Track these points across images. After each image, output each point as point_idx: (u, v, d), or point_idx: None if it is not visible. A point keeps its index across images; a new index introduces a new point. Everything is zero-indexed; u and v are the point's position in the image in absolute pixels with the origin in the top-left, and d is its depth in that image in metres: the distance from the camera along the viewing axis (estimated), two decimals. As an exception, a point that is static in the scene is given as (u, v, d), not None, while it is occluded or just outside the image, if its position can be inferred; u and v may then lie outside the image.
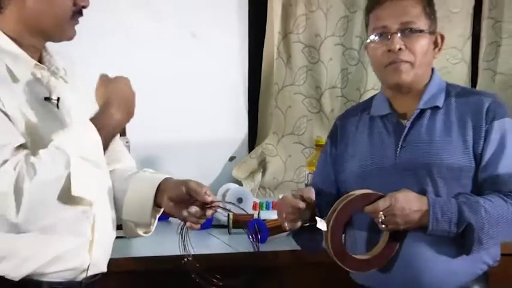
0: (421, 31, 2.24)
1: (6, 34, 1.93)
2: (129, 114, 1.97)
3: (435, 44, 2.31)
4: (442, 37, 2.34)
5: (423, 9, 2.26)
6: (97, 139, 1.84)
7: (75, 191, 1.76)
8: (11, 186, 1.71)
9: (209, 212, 2.07)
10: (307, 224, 2.21)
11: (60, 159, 1.76)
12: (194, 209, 2.04)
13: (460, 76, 3.87)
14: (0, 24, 1.93)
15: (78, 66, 2.20)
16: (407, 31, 2.22)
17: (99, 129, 1.85)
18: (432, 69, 2.36)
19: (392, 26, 2.22)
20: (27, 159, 1.75)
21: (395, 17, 2.22)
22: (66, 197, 1.76)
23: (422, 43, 2.24)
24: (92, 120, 1.87)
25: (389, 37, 2.22)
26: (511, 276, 2.64)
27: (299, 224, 2.20)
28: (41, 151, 1.78)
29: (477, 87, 3.85)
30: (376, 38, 2.26)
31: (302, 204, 2.15)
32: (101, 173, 1.89)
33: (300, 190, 2.21)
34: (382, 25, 2.24)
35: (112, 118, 1.90)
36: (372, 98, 2.45)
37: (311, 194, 2.18)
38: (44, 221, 1.80)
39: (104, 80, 1.98)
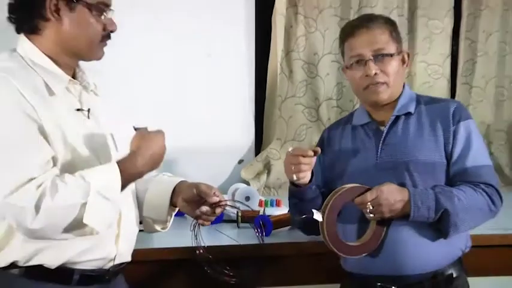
0: (391, 55, 2.28)
1: (44, 53, 1.94)
2: (153, 167, 1.98)
3: (403, 61, 2.35)
4: (408, 55, 2.38)
5: (390, 35, 2.31)
6: (118, 180, 1.85)
7: (86, 220, 1.77)
8: (32, 203, 1.71)
9: (218, 210, 2.10)
10: (304, 216, 2.23)
11: (82, 189, 1.77)
12: (205, 208, 2.07)
13: (441, 89, 3.88)
14: (39, 45, 1.94)
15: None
16: (380, 56, 2.27)
17: (121, 171, 1.86)
18: (403, 84, 2.39)
19: (366, 53, 2.27)
20: (54, 180, 1.76)
21: (368, 46, 2.27)
22: (78, 221, 1.77)
23: (394, 64, 2.29)
24: (118, 162, 1.89)
25: (365, 63, 2.27)
26: (482, 264, 2.65)
27: (303, 175, 2.23)
28: (67, 175, 1.79)
29: (456, 99, 3.85)
30: (354, 64, 2.30)
31: (311, 153, 2.18)
32: (114, 208, 1.89)
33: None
34: (357, 53, 2.29)
35: (136, 167, 1.91)
36: (352, 112, 2.50)
37: (317, 148, 2.21)
38: (58, 236, 1.80)
39: (142, 132, 2.00)
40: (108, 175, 1.85)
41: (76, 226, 1.78)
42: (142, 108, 3.22)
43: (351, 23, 2.44)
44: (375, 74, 2.26)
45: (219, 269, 2.14)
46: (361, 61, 2.28)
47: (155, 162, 1.97)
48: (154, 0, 3.44)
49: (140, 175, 1.97)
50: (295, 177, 2.23)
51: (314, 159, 2.21)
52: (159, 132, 2.02)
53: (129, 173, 1.89)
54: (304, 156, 2.19)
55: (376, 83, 2.27)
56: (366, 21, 2.35)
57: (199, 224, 2.12)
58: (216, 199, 2.08)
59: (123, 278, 2.14)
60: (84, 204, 1.76)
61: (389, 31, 2.32)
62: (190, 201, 2.12)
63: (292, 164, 2.21)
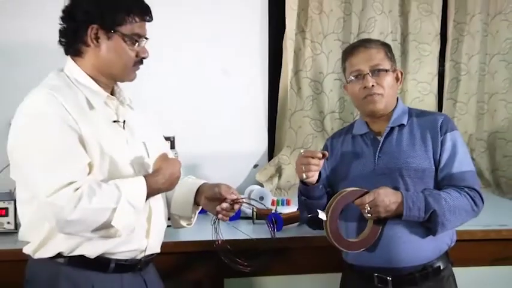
0: (386, 70, 2.29)
1: (86, 73, 1.97)
2: (170, 186, 2.02)
3: (397, 78, 2.35)
4: (401, 73, 2.39)
5: (385, 54, 2.32)
6: (144, 192, 1.89)
7: (114, 222, 1.80)
8: (70, 203, 1.74)
9: (236, 207, 2.12)
10: (310, 216, 2.24)
11: (115, 196, 1.81)
12: (225, 204, 2.08)
13: (429, 104, 3.86)
14: (82, 66, 1.97)
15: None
16: (376, 71, 2.27)
17: (146, 185, 1.91)
18: (397, 98, 2.39)
19: (364, 69, 2.27)
20: (91, 185, 1.78)
21: (366, 62, 2.28)
22: (107, 223, 1.80)
23: (388, 79, 2.29)
24: (144, 177, 1.92)
25: (363, 77, 2.27)
26: (465, 256, 2.64)
27: (312, 174, 2.22)
28: (103, 183, 1.82)
29: (442, 112, 3.84)
30: (354, 78, 2.30)
31: (319, 154, 2.19)
32: (137, 216, 1.90)
33: None
34: (357, 69, 2.29)
35: (157, 183, 1.94)
36: (352, 123, 2.49)
37: (325, 152, 2.22)
38: (88, 233, 1.82)
39: (164, 156, 2.04)
40: (136, 187, 1.89)
41: (104, 227, 1.80)
42: (170, 120, 3.21)
43: (351, 44, 2.44)
44: (372, 85, 2.26)
45: (235, 259, 2.14)
46: (360, 75, 2.29)
47: (172, 183, 2.01)
48: (180, 24, 3.44)
49: (159, 191, 2.00)
50: (304, 176, 2.22)
51: (322, 161, 2.21)
52: (177, 160, 2.08)
53: (151, 188, 1.92)
54: (313, 158, 2.18)
55: (373, 93, 2.27)
56: (364, 42, 2.37)
57: (218, 219, 2.13)
58: (234, 196, 2.09)
59: (153, 267, 2.15)
60: (114, 209, 1.80)
61: (385, 51, 2.33)
62: (212, 199, 2.13)
63: (302, 164, 2.21)
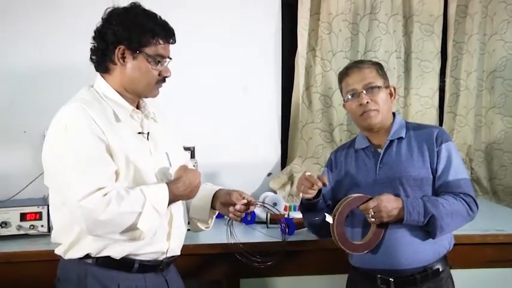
0: (379, 87, 2.29)
1: (113, 89, 1.99)
2: (190, 193, 2.01)
3: (390, 94, 2.36)
4: (395, 89, 2.39)
5: (377, 72, 2.32)
6: (166, 198, 1.90)
7: (140, 225, 1.81)
8: (100, 207, 1.75)
9: (251, 207, 2.12)
10: (317, 218, 2.24)
11: (140, 200, 1.82)
12: (238, 206, 2.09)
13: (431, 117, 3.84)
14: (110, 82, 2.00)
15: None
16: (370, 89, 2.28)
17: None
18: (393, 113, 2.39)
19: (358, 87, 2.29)
20: (120, 190, 1.80)
21: (360, 81, 2.29)
22: (134, 226, 1.81)
23: (381, 95, 2.30)
24: (167, 184, 1.93)
25: (358, 95, 2.28)
26: (463, 258, 2.65)
27: (307, 196, 2.22)
28: (130, 189, 1.83)
29: (443, 125, 3.84)
30: (350, 97, 2.31)
31: (320, 184, 2.18)
32: (160, 220, 1.91)
33: (318, 175, 2.24)
34: (352, 88, 2.31)
35: (177, 189, 1.95)
36: (354, 138, 2.49)
37: (326, 178, 2.22)
38: (115, 235, 1.84)
39: (184, 167, 2.03)
40: (159, 193, 1.89)
41: (130, 229, 1.81)
42: (190, 132, 3.20)
43: (346, 67, 2.44)
44: (367, 102, 2.27)
45: (248, 257, 2.16)
46: (355, 94, 2.30)
47: (192, 191, 2.01)
48: (202, 44, 3.45)
49: (180, 198, 2.00)
50: (301, 195, 2.23)
51: (321, 186, 2.20)
52: (196, 170, 2.07)
53: (173, 194, 1.93)
54: (313, 185, 2.18)
55: (368, 110, 2.28)
56: (357, 64, 2.39)
57: (232, 220, 2.16)
58: (244, 201, 2.10)
59: (174, 268, 2.16)
60: (140, 213, 1.81)
61: (376, 69, 2.34)
62: (226, 204, 2.14)
63: (302, 185, 2.20)
